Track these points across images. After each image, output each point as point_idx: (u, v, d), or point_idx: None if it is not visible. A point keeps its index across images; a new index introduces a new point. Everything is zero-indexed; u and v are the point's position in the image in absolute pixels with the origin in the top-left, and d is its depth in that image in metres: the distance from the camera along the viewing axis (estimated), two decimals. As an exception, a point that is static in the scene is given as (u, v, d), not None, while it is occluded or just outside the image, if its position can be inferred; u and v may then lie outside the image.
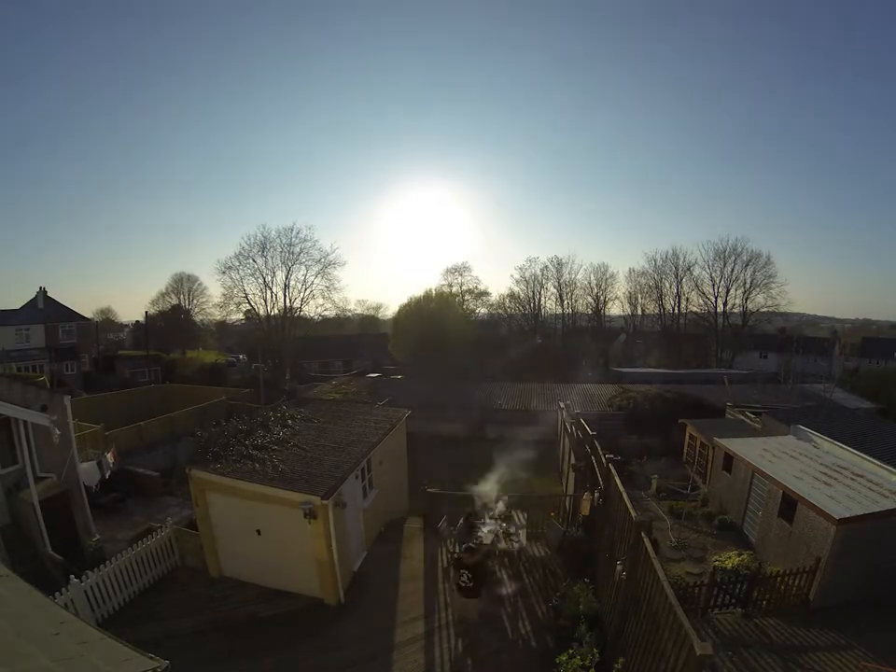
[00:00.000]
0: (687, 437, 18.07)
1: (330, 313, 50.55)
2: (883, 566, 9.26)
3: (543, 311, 58.74)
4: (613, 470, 8.99)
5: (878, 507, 9.37)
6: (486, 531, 10.60)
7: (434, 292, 48.31)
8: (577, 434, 16.45)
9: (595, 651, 6.81)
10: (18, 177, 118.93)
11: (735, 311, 51.93)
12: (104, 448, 15.49)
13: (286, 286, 47.14)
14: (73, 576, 8.41)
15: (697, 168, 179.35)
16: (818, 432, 13.89)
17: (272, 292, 47.20)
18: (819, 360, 49.77)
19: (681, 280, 54.15)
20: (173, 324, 61.85)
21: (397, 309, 49.06)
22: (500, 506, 11.73)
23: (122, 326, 75.44)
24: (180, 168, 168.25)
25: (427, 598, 9.41)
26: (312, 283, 47.49)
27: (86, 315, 48.68)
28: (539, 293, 58.01)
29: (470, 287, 57.07)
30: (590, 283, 56.63)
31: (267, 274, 46.67)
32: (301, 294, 47.72)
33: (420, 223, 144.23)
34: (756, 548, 11.64)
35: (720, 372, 35.90)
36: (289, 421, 12.51)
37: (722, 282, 51.49)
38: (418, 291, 48.58)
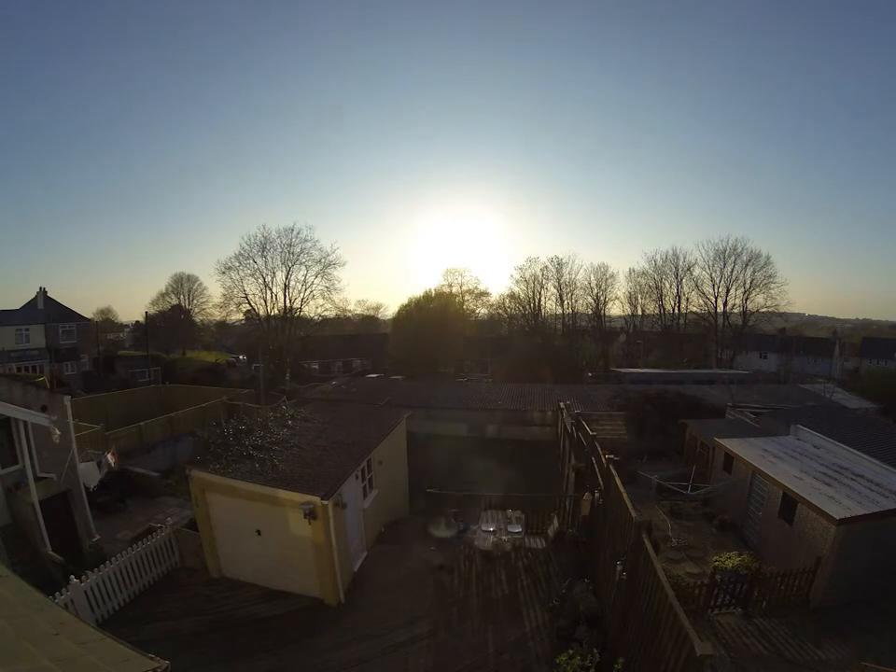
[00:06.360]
0: (687, 437, 18.03)
1: (330, 313, 50.49)
2: (883, 566, 9.25)
3: (543, 311, 58.69)
4: (613, 471, 8.98)
5: (878, 507, 9.37)
6: (485, 531, 10.60)
7: (434, 292, 48.55)
8: (577, 434, 16.44)
9: (595, 651, 6.82)
10: (18, 177, 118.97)
11: (735, 311, 51.94)
12: (103, 448, 15.47)
13: (286, 286, 47.18)
14: (73, 576, 8.42)
15: (697, 168, 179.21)
16: (818, 432, 13.88)
17: (272, 292, 47.27)
18: (820, 360, 49.95)
19: (681, 280, 54.18)
20: (173, 324, 61.94)
21: (397, 309, 49.26)
22: (500, 506, 11.73)
23: (122, 326, 75.46)
24: (181, 167, 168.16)
25: (427, 599, 9.40)
26: (312, 283, 47.57)
27: (86, 316, 48.71)
28: (539, 293, 57.99)
29: (470, 287, 57.37)
30: (590, 283, 56.45)
31: (267, 275, 46.74)
32: (301, 294, 47.78)
33: (420, 224, 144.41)
34: (756, 548, 11.62)
35: (720, 373, 35.90)
36: (289, 421, 12.52)
37: (722, 282, 51.55)
38: (418, 291, 48.72)
